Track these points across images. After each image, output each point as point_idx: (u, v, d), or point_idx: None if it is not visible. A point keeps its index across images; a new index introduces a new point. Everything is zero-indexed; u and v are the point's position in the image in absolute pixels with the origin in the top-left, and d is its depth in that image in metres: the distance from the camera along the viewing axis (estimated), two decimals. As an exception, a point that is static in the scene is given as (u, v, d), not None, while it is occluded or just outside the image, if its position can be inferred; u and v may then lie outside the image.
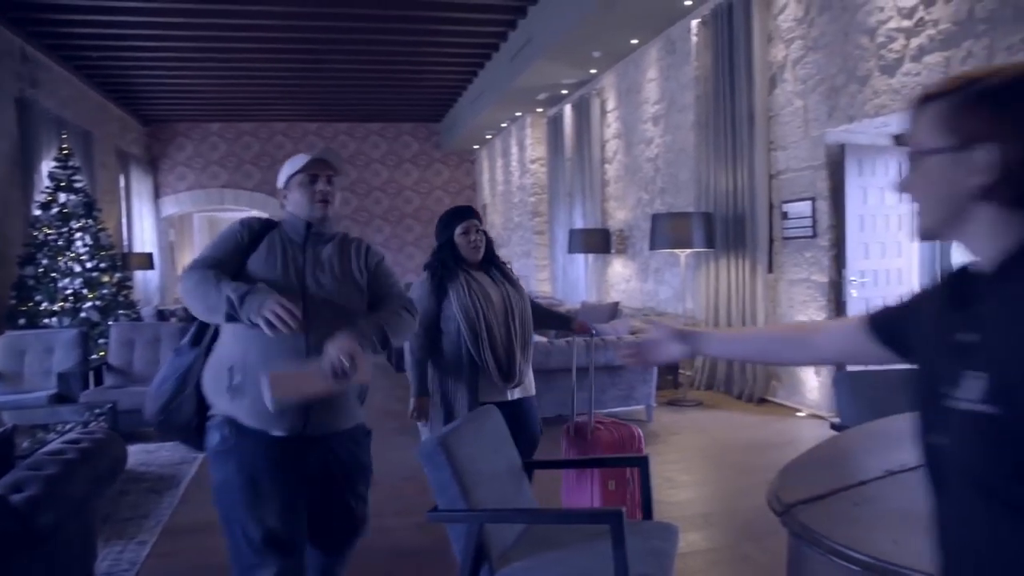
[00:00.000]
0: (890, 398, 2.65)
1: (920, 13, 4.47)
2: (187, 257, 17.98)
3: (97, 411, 4.48)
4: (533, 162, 12.01)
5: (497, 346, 2.95)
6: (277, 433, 2.07)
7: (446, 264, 3.05)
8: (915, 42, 4.53)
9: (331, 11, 8.34)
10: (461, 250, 3.04)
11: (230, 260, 2.12)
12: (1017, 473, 0.84)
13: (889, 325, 1.19)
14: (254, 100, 12.63)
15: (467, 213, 3.12)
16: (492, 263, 3.15)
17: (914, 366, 1.06)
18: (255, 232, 2.20)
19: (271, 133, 14.67)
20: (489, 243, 3.14)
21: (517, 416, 2.92)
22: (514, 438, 2.65)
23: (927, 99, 0.97)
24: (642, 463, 2.65)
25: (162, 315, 10.04)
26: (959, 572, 0.95)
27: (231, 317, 1.95)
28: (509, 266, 3.29)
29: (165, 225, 14.60)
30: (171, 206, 14.34)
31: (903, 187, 1.01)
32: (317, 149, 2.25)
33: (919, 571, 1.20)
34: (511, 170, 13.35)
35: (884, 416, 2.36)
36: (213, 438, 2.10)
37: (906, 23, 4.59)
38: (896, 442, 2.12)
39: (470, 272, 3.04)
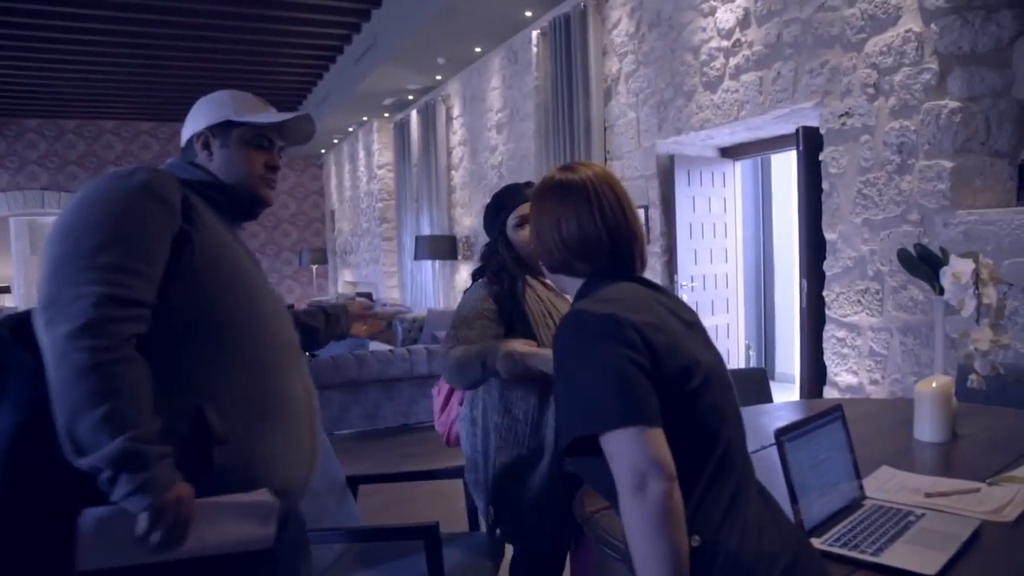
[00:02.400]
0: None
1: (737, 35, 4.75)
2: (3, 267, 16.44)
3: None
4: (380, 168, 11.86)
5: None
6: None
7: (509, 269, 2.14)
8: (733, 61, 4.81)
9: (167, 4, 7.85)
10: (519, 250, 2.16)
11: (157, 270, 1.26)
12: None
13: None
14: (80, 95, 11.71)
15: (522, 193, 2.20)
16: None
17: None
18: (180, 202, 1.33)
19: (99, 132, 13.70)
20: None
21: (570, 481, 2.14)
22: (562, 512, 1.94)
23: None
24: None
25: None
26: None
27: None
28: None
29: (-26, 230, 13.31)
30: (-19, 209, 13.10)
31: None
32: (278, 113, 1.52)
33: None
34: (359, 175, 13.13)
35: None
36: None
37: (725, 43, 4.87)
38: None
39: (529, 283, 2.18)
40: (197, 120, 1.48)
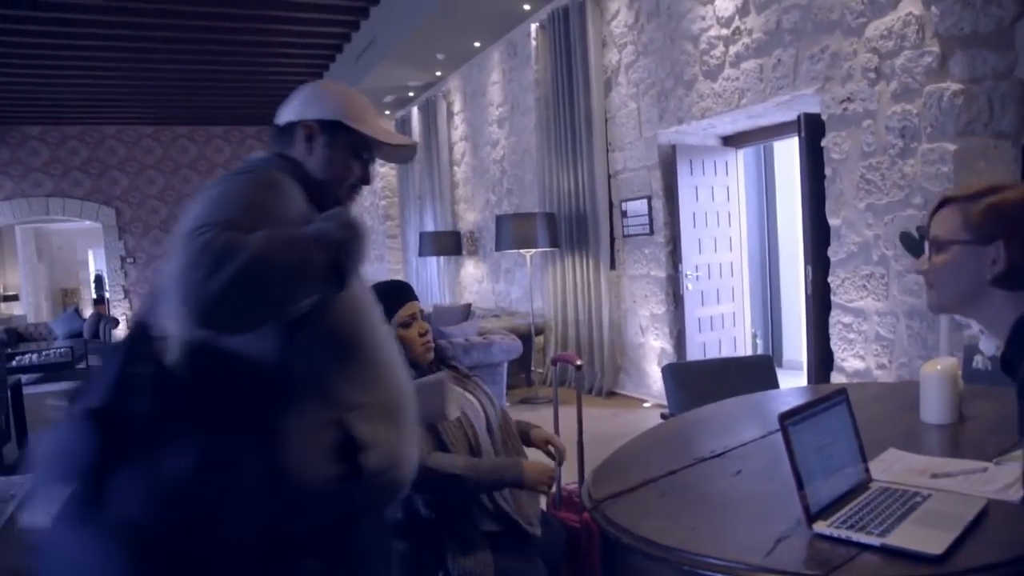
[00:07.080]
0: (710, 387, 2.79)
1: (736, 23, 4.74)
2: (10, 275, 16.53)
3: None
4: (383, 165, 11.86)
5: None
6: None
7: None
8: (733, 49, 4.80)
9: (166, 7, 7.86)
10: (412, 349, 2.11)
11: None
12: None
13: None
14: (80, 101, 11.72)
15: (405, 292, 2.17)
16: (443, 360, 2.28)
17: None
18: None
19: (101, 137, 13.71)
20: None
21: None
22: None
23: (947, 201, 1.25)
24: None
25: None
26: None
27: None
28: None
29: (-18, 238, 13.35)
30: (-13, 218, 13.15)
31: (921, 269, 1.28)
32: (391, 133, 1.44)
33: (711, 556, 1.26)
34: (362, 173, 13.15)
35: (704, 404, 2.47)
36: None
37: (724, 31, 4.86)
38: (708, 429, 2.22)
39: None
40: (307, 108, 1.36)
